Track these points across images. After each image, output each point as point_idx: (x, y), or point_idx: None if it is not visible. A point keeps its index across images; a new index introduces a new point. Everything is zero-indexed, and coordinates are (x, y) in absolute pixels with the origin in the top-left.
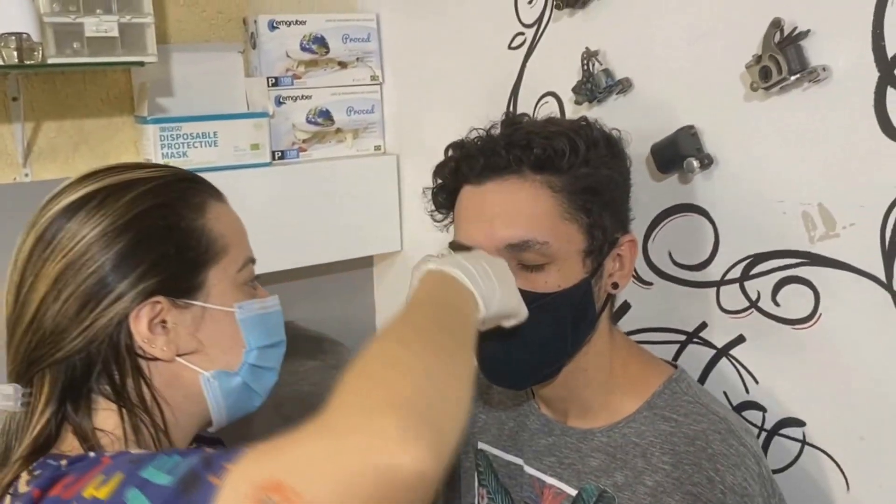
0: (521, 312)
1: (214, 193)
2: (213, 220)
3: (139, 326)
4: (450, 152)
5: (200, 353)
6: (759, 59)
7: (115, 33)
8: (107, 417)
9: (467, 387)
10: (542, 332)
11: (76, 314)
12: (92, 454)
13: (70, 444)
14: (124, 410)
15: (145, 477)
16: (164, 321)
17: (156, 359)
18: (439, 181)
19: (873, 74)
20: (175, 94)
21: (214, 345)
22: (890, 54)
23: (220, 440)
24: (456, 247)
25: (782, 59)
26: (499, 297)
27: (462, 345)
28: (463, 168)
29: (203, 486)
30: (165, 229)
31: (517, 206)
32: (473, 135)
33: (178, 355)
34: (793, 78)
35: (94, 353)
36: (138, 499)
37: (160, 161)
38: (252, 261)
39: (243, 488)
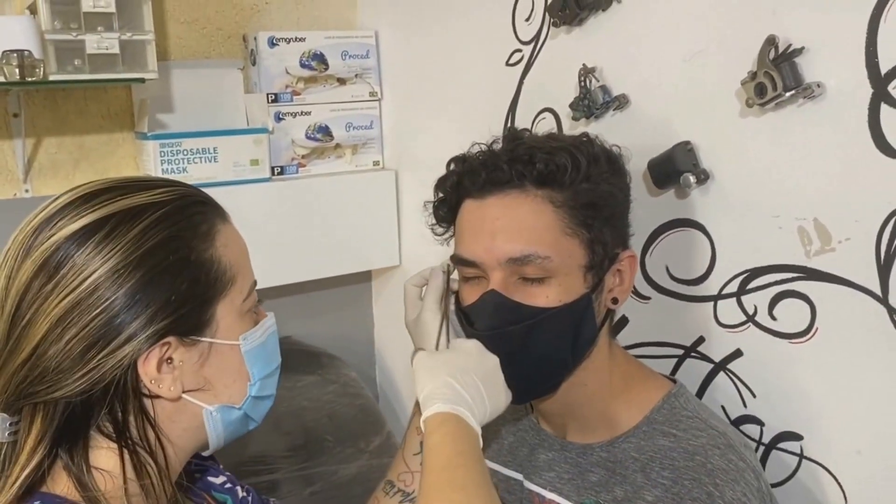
0: (503, 407)
1: (220, 214)
2: (221, 247)
3: (148, 368)
4: (452, 166)
5: (205, 389)
6: (754, 75)
7: (116, 50)
8: (105, 456)
9: None
10: (542, 347)
11: (81, 356)
12: None
13: (64, 486)
14: (126, 451)
15: None
16: (170, 359)
17: (160, 397)
18: (440, 195)
19: (867, 91)
20: (175, 110)
21: (219, 380)
22: (883, 71)
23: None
24: (457, 260)
25: (777, 76)
26: (489, 413)
27: (489, 484)
28: (465, 182)
29: None
30: (176, 264)
31: (519, 220)
32: (475, 149)
33: (184, 392)
34: (788, 94)
35: (98, 394)
36: None
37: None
38: (255, 284)
39: None
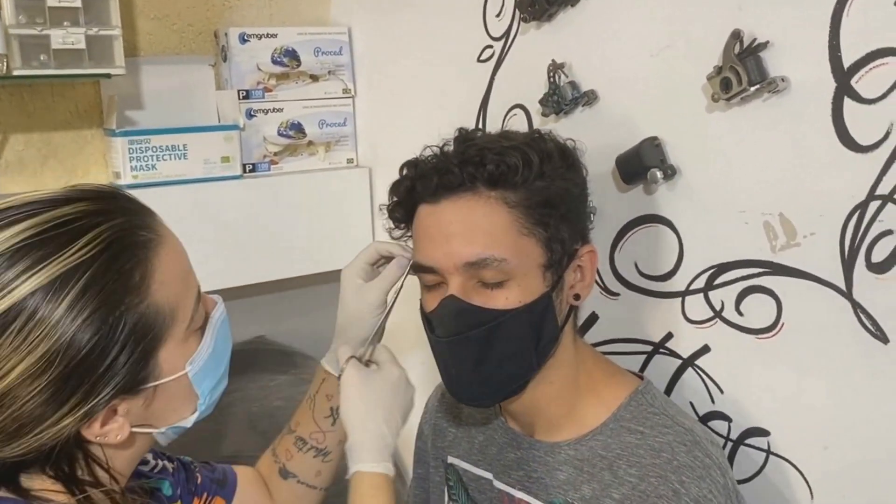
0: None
1: (152, 240)
2: (156, 289)
3: (91, 432)
4: (404, 171)
5: (153, 421)
6: (719, 70)
7: (83, 45)
8: (56, 488)
9: None
10: (505, 350)
11: (17, 431)
12: None
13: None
14: (76, 490)
15: None
16: (115, 410)
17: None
18: (395, 199)
19: (831, 85)
20: (145, 107)
21: (167, 409)
22: (846, 65)
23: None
24: (416, 267)
25: (742, 71)
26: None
27: None
28: (418, 187)
29: None
30: (107, 335)
31: (473, 223)
32: (427, 152)
33: (132, 428)
34: (753, 89)
35: (39, 454)
36: None
37: (129, 174)
38: (198, 296)
39: None
